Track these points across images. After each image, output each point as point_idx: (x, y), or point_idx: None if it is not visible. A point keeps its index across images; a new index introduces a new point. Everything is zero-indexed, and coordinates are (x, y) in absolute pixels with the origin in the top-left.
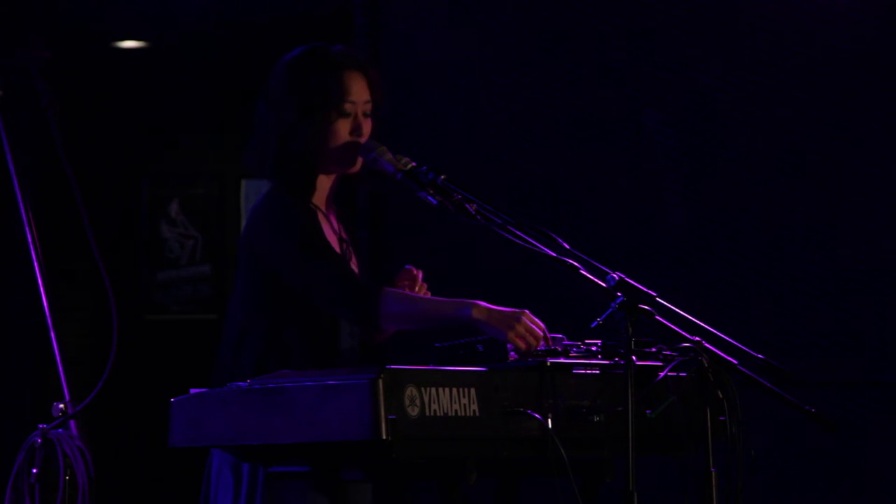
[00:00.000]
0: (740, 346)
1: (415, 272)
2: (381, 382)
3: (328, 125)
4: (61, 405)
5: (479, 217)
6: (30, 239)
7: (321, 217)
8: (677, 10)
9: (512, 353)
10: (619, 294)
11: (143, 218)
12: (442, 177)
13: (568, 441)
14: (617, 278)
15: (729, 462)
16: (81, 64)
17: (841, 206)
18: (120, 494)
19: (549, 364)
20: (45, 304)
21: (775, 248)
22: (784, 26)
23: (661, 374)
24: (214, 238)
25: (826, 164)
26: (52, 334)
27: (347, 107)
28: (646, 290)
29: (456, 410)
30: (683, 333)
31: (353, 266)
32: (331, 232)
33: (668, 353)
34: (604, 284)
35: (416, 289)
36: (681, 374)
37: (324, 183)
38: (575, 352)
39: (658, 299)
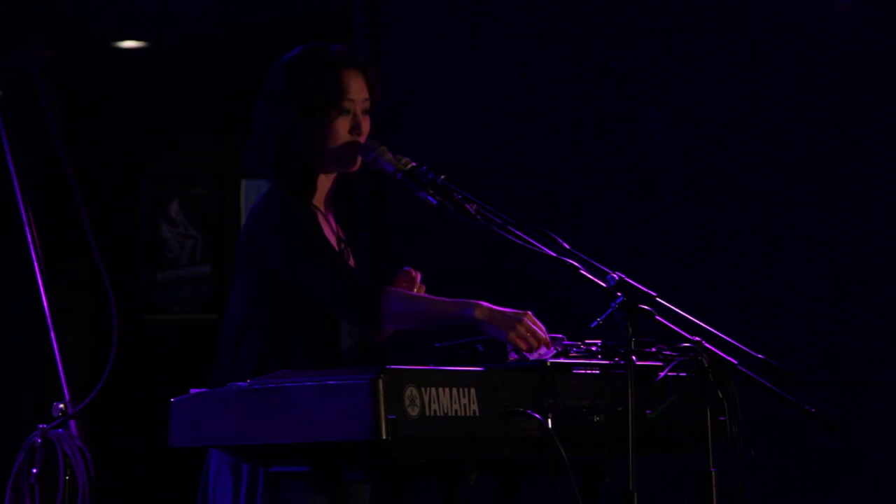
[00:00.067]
0: (740, 346)
1: (413, 273)
2: (381, 382)
3: (328, 124)
4: (61, 405)
5: (479, 217)
6: (30, 239)
7: (320, 217)
8: (677, 10)
9: (512, 354)
10: (619, 294)
11: (143, 218)
12: (442, 177)
13: (568, 441)
14: (617, 278)
15: (729, 462)
16: (81, 64)
17: (841, 206)
18: (120, 494)
19: (549, 364)
20: (45, 304)
21: (775, 248)
22: (784, 26)
23: (661, 374)
24: (214, 238)
25: (826, 164)
26: (52, 334)
27: (346, 104)
28: (646, 290)
29: (456, 410)
30: (683, 333)
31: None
32: (329, 232)
33: (668, 353)
34: (604, 284)
35: (415, 290)
36: (681, 374)
37: (323, 183)
38: (575, 352)
39: (658, 299)
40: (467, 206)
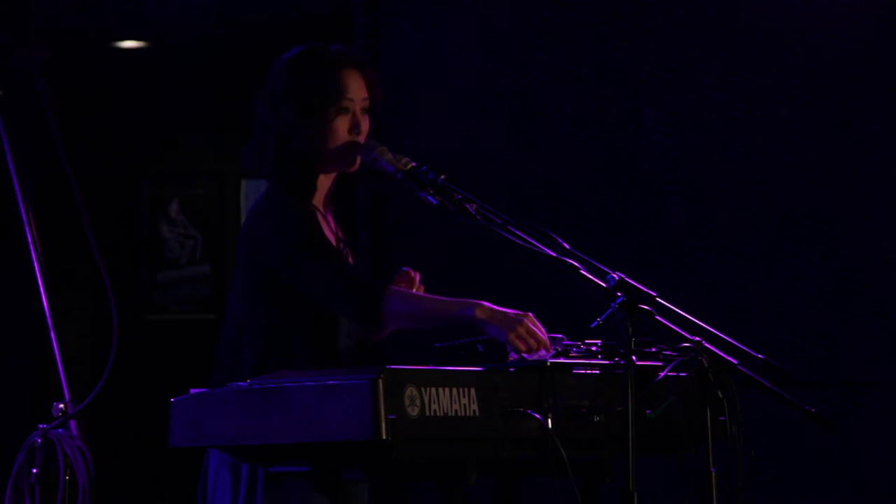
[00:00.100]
0: (740, 346)
1: (412, 274)
2: (381, 382)
3: (327, 124)
4: (61, 405)
5: (479, 217)
6: (30, 239)
7: (319, 217)
8: (677, 10)
9: (512, 354)
10: (619, 294)
11: (143, 218)
12: (442, 177)
13: (568, 441)
14: (617, 278)
15: (729, 462)
16: (81, 64)
17: (841, 206)
18: (120, 494)
19: (549, 364)
20: (45, 304)
21: (775, 248)
22: (784, 26)
23: (661, 374)
24: (214, 238)
25: (826, 164)
26: (52, 334)
27: (346, 104)
28: (646, 290)
29: (456, 410)
30: (683, 333)
31: None
32: (329, 232)
33: (668, 353)
34: (604, 284)
35: (414, 290)
36: (681, 374)
37: (323, 183)
38: (575, 352)
39: (658, 299)
40: (467, 206)
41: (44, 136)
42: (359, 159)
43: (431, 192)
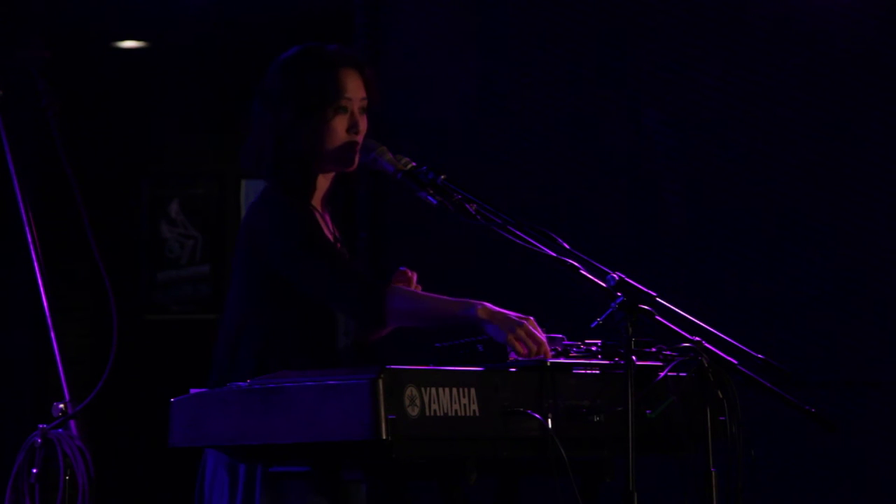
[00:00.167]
0: (740, 346)
1: (409, 274)
2: (381, 382)
3: (325, 124)
4: (61, 405)
5: (479, 217)
6: (30, 239)
7: (317, 217)
8: (677, 10)
9: (512, 354)
10: (619, 294)
11: (143, 218)
12: (442, 177)
13: (568, 441)
14: (617, 278)
15: (729, 462)
16: (81, 64)
17: (841, 206)
18: (120, 494)
19: (548, 364)
20: (45, 304)
21: (775, 248)
22: (784, 26)
23: (661, 374)
24: (214, 238)
25: (826, 164)
26: (52, 334)
27: (344, 103)
28: (646, 290)
29: (456, 410)
30: (683, 333)
31: None
32: (327, 232)
33: (668, 353)
34: (604, 284)
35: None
36: (681, 374)
37: (321, 183)
38: (575, 352)
39: (658, 299)
40: (467, 206)
41: (44, 136)
42: (357, 159)
43: (431, 192)
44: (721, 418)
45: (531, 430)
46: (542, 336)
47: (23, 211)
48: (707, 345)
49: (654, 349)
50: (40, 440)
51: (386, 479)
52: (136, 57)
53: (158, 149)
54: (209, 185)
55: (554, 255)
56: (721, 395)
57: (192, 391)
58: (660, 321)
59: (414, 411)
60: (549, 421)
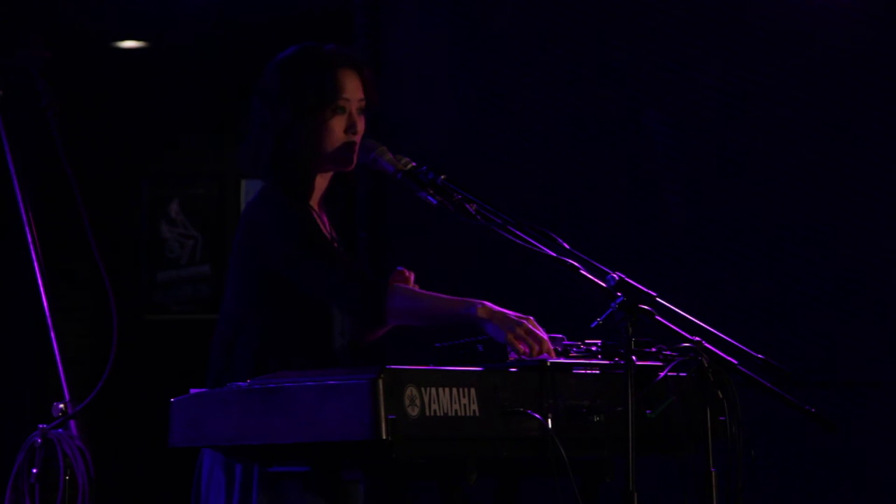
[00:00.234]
0: (740, 346)
1: (407, 273)
2: (381, 382)
3: (323, 124)
4: (61, 405)
5: (479, 217)
6: (30, 239)
7: (315, 217)
8: (677, 10)
9: (512, 354)
10: (619, 294)
11: (143, 218)
12: (442, 177)
13: (568, 441)
14: (617, 278)
15: (729, 462)
16: (81, 64)
17: (841, 206)
18: (120, 494)
19: (549, 364)
20: (45, 304)
21: (775, 248)
22: (784, 26)
23: (661, 374)
24: (214, 238)
25: (826, 164)
26: (52, 334)
27: (342, 104)
28: (646, 290)
29: (456, 410)
30: (683, 333)
31: None
32: (325, 232)
33: (668, 353)
34: (604, 284)
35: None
36: (681, 374)
37: (319, 183)
38: (575, 352)
39: (658, 299)
40: (467, 206)
41: (44, 136)
42: (355, 159)
43: (431, 192)
44: (721, 418)
45: (531, 430)
46: (542, 334)
47: (23, 211)
48: (707, 345)
49: (654, 349)
50: (40, 440)
51: (386, 479)
52: (136, 57)
53: (158, 149)
54: (209, 185)
55: (554, 255)
56: (721, 395)
57: (192, 391)
58: (660, 321)
59: (414, 411)
60: (549, 421)
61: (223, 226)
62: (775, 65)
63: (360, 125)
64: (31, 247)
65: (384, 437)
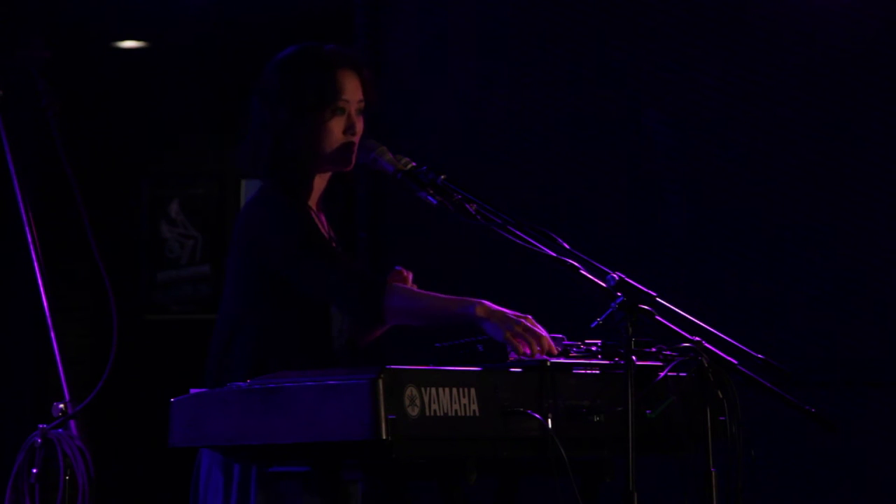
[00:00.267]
0: (740, 346)
1: (405, 273)
2: (381, 382)
3: (322, 124)
4: (61, 405)
5: (479, 217)
6: (30, 239)
7: (314, 217)
8: (677, 10)
9: (512, 354)
10: (619, 294)
11: (143, 218)
12: (442, 177)
13: (568, 441)
14: (617, 278)
15: (729, 462)
16: (81, 64)
17: (841, 206)
18: (120, 494)
19: (549, 364)
20: (45, 304)
21: (775, 248)
22: (784, 26)
23: (661, 374)
24: (214, 238)
25: (826, 164)
26: (52, 334)
27: (341, 104)
28: (646, 290)
29: (456, 410)
30: (683, 333)
31: None
32: (323, 232)
33: (668, 353)
34: (604, 284)
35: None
36: (681, 374)
37: (317, 183)
38: (575, 352)
39: (658, 299)
40: (467, 206)
41: (44, 136)
42: (353, 160)
43: (431, 192)
44: (721, 418)
45: (531, 430)
46: (542, 331)
47: (23, 211)
48: (707, 345)
49: (654, 349)
50: (40, 440)
51: (386, 479)
52: (136, 57)
53: (158, 149)
54: (209, 185)
55: (554, 255)
56: (721, 395)
57: (192, 391)
58: (660, 321)
59: (414, 411)
60: (549, 421)
61: (223, 226)
62: (775, 65)
63: (359, 126)
64: (31, 247)
65: (384, 437)
